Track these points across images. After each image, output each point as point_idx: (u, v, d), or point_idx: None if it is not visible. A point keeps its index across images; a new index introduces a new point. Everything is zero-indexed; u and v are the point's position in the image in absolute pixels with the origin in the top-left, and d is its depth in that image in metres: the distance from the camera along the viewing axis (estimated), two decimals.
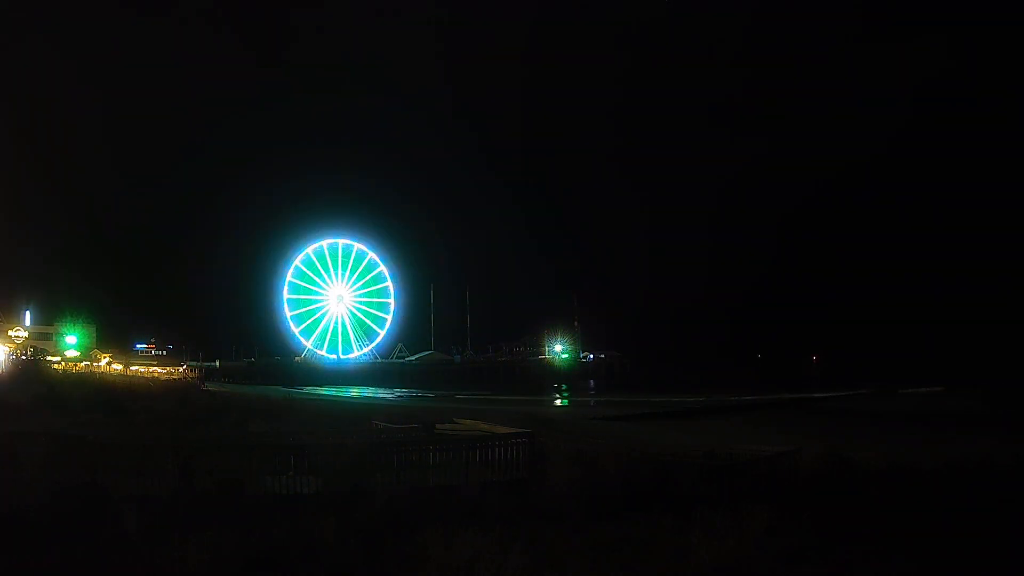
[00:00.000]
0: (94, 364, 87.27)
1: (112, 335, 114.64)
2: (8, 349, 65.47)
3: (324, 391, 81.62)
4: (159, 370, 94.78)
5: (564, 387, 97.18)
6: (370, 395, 76.98)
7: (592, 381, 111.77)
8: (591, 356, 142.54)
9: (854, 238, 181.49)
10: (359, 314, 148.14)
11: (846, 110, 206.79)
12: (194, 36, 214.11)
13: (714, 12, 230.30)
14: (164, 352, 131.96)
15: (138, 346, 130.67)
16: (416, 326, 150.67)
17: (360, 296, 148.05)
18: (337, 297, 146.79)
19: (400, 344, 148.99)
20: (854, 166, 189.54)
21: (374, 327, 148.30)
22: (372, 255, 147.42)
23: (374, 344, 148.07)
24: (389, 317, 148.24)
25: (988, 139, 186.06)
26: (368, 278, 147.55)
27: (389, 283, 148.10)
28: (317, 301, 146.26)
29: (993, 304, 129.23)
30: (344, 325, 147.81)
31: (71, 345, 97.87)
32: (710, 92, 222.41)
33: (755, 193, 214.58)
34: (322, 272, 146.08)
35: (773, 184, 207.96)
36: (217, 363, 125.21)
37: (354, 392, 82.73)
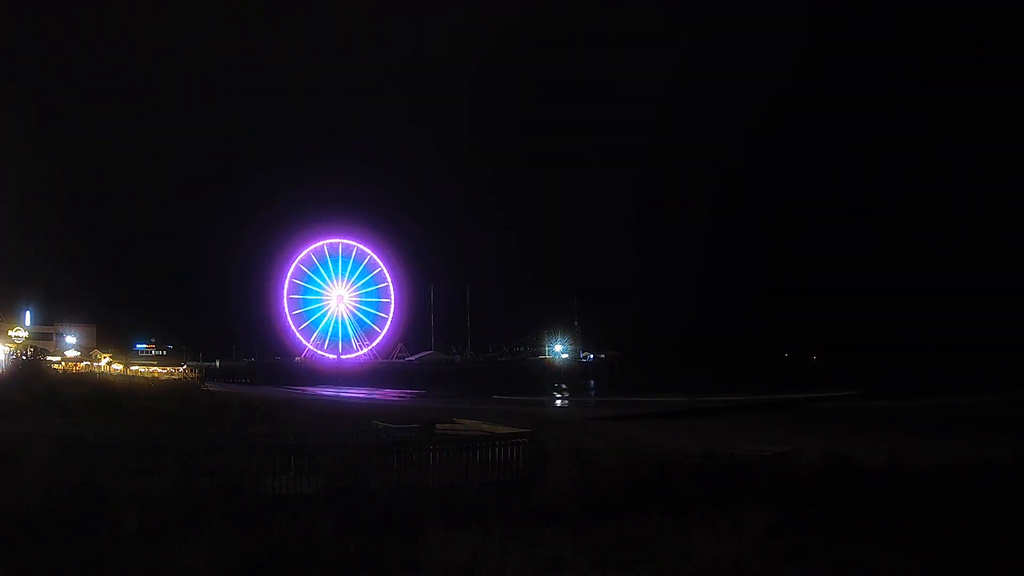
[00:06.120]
0: (94, 364, 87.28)
1: (112, 335, 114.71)
2: (8, 349, 65.45)
3: (324, 391, 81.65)
4: (159, 370, 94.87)
5: (564, 387, 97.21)
6: (370, 395, 77.00)
7: (592, 381, 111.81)
8: (591, 356, 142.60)
9: (854, 236, 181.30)
10: (359, 314, 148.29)
11: (844, 105, 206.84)
12: (189, 36, 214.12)
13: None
14: (164, 352, 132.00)
15: (138, 346, 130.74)
16: (416, 326, 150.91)
17: (360, 296, 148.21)
18: (337, 297, 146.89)
19: (400, 344, 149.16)
20: (854, 160, 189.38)
21: (374, 327, 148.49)
22: (372, 255, 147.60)
23: (374, 344, 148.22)
24: (389, 317, 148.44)
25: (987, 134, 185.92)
26: (368, 278, 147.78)
27: (389, 283, 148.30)
28: (317, 301, 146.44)
29: (993, 307, 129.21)
30: (344, 325, 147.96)
31: (71, 345, 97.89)
32: (707, 90, 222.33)
33: (754, 192, 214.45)
34: (322, 272, 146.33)
35: (772, 182, 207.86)
36: (217, 363, 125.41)
37: (354, 392, 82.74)
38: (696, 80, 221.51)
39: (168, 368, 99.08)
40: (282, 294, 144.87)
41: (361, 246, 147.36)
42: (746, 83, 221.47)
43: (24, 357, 64.25)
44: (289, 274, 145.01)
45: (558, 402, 73.38)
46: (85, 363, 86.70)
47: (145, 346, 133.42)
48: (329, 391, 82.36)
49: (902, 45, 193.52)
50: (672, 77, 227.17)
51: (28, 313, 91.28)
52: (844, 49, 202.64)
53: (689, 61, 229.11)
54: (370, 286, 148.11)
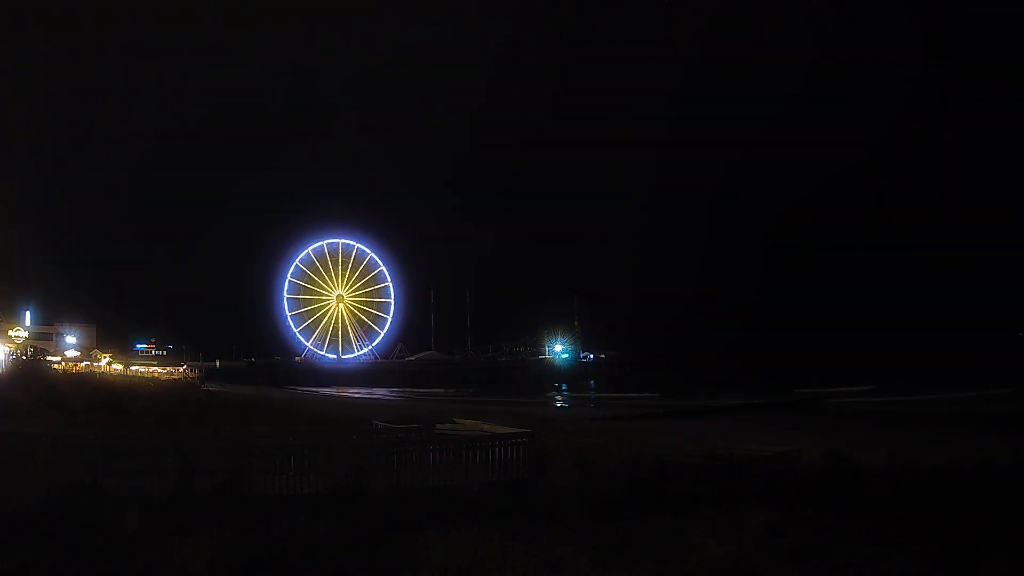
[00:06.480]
0: (94, 364, 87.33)
1: (112, 335, 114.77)
2: (8, 349, 65.44)
3: (324, 391, 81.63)
4: (159, 370, 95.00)
5: (564, 387, 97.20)
6: (370, 395, 76.99)
7: (592, 381, 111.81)
8: (591, 356, 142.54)
9: (854, 236, 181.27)
10: (359, 314, 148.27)
11: (846, 107, 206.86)
12: (190, 34, 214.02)
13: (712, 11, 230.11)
14: (164, 352, 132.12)
15: (138, 346, 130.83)
16: (416, 326, 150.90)
17: (360, 296, 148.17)
18: (337, 297, 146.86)
19: (400, 344, 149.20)
20: (856, 162, 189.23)
21: (374, 327, 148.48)
22: (372, 255, 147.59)
23: (374, 344, 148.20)
24: (389, 317, 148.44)
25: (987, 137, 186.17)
26: (368, 278, 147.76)
27: (389, 283, 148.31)
28: (317, 301, 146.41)
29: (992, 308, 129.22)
30: (344, 325, 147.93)
31: (71, 345, 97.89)
32: (710, 88, 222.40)
33: (754, 191, 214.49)
34: (322, 272, 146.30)
35: (773, 182, 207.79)
36: (217, 363, 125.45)
37: (354, 392, 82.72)
38: (702, 79, 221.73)
39: (168, 368, 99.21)
40: (282, 294, 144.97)
41: (361, 246, 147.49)
42: (751, 83, 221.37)
43: (24, 357, 64.25)
44: (289, 274, 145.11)
45: (558, 402, 73.36)
46: (85, 363, 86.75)
47: (145, 346, 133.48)
48: (329, 391, 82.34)
49: (908, 46, 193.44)
50: (678, 76, 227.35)
51: (28, 313, 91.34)
52: (854, 50, 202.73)
53: (695, 61, 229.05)
54: (370, 286, 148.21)
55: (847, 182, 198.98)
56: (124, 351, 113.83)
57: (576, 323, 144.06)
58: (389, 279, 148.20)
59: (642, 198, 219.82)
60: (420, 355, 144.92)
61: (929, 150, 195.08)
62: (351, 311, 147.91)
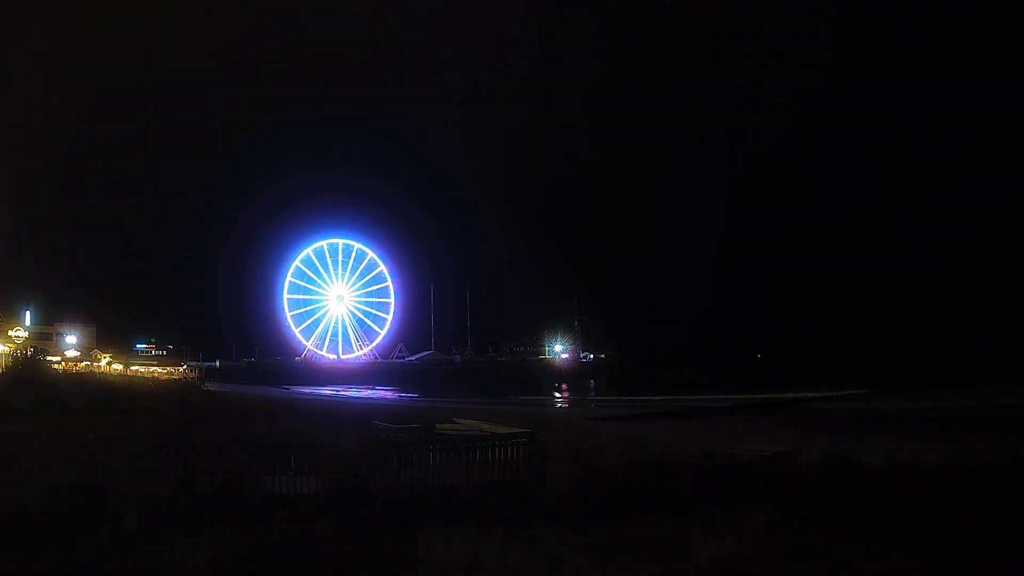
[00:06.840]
0: (94, 364, 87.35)
1: (112, 335, 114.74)
2: (8, 349, 65.43)
3: (324, 391, 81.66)
4: (159, 370, 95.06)
5: (564, 387, 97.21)
6: (370, 395, 77.01)
7: (592, 381, 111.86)
8: (591, 356, 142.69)
9: (855, 237, 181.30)
10: (359, 314, 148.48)
11: (854, 107, 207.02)
12: (187, 32, 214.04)
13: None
14: (164, 352, 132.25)
15: (138, 346, 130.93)
16: (416, 326, 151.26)
17: (360, 296, 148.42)
18: (337, 297, 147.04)
19: (400, 344, 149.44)
20: (862, 163, 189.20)
21: (374, 327, 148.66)
22: (372, 255, 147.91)
23: (374, 344, 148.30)
24: (389, 317, 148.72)
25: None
26: (368, 278, 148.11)
27: (389, 283, 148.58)
28: (317, 301, 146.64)
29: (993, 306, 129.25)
30: (344, 325, 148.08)
31: (71, 345, 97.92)
32: (712, 87, 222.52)
33: (757, 192, 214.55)
34: (322, 272, 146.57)
35: (774, 183, 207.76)
36: (217, 363, 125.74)
37: (354, 392, 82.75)
38: (704, 80, 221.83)
39: (168, 368, 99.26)
40: (282, 294, 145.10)
41: (361, 246, 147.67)
42: (756, 85, 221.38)
43: (24, 357, 64.15)
44: (289, 274, 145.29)
45: (558, 402, 73.34)
46: (85, 363, 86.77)
47: (145, 346, 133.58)
48: (329, 391, 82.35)
49: (921, 51, 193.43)
50: (683, 76, 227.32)
51: (28, 313, 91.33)
52: (863, 54, 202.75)
53: (704, 60, 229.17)
54: (370, 286, 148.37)
55: (851, 182, 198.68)
56: (124, 351, 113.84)
57: (576, 323, 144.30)
58: (389, 279, 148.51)
59: (644, 197, 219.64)
60: (420, 355, 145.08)
61: (934, 150, 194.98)
62: (351, 311, 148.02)
